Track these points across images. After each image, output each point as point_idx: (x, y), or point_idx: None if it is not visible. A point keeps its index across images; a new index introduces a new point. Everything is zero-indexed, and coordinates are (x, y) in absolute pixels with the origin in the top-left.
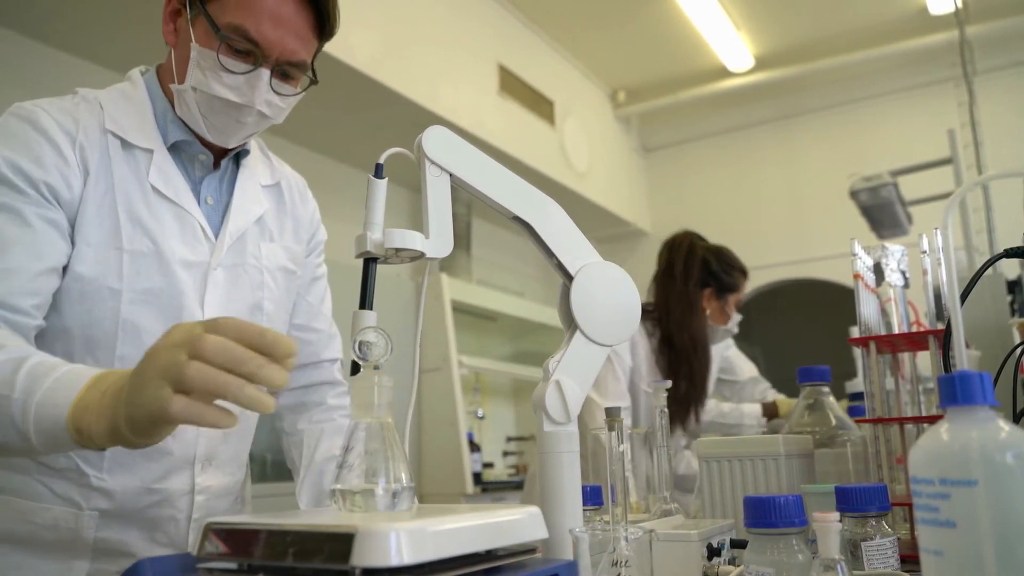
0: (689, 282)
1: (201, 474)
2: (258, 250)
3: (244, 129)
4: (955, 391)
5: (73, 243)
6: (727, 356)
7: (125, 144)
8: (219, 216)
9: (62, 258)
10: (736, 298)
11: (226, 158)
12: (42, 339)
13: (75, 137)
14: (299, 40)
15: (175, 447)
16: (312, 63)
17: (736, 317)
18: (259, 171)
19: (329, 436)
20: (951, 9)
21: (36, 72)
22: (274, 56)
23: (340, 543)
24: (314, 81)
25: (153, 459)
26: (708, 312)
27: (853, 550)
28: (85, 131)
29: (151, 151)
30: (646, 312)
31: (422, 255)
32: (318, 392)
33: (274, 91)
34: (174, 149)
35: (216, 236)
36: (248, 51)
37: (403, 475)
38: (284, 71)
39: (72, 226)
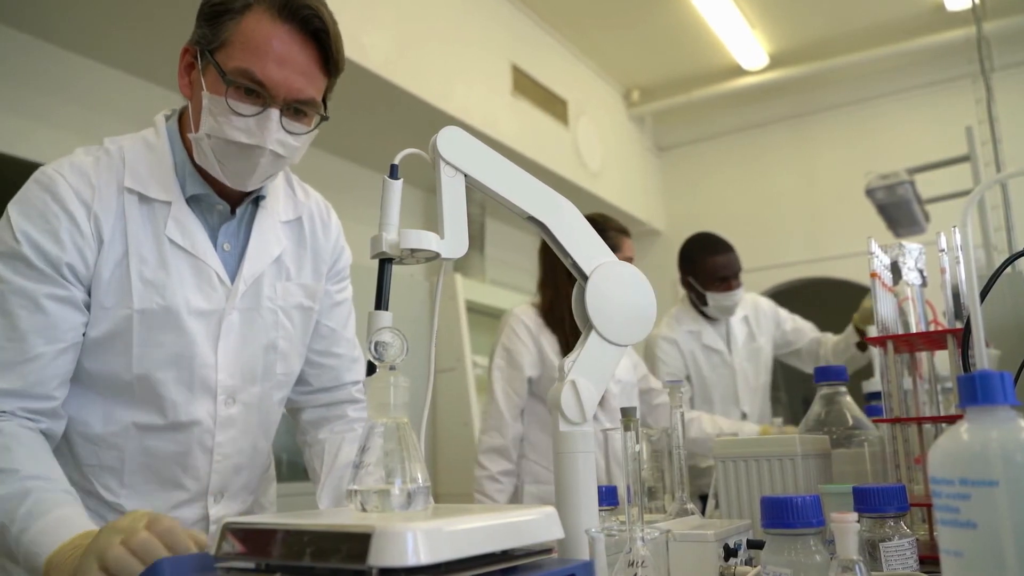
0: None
1: (214, 506)
2: (274, 291)
3: (259, 171)
4: (975, 390)
5: (89, 309)
6: (786, 331)
7: (143, 199)
8: (236, 260)
9: (79, 331)
10: (621, 256)
11: (243, 205)
12: (73, 383)
13: (91, 207)
14: (305, 78)
15: (188, 482)
16: (325, 99)
17: None
18: (279, 208)
19: (350, 443)
20: (968, 5)
21: (38, 70)
22: (281, 96)
23: (357, 543)
24: (324, 117)
25: (167, 490)
26: None
27: (871, 551)
28: (101, 197)
29: (169, 203)
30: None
31: (437, 255)
32: (339, 409)
33: (285, 130)
34: (192, 199)
35: (233, 280)
36: (256, 93)
37: (419, 475)
38: (296, 109)
39: (88, 294)
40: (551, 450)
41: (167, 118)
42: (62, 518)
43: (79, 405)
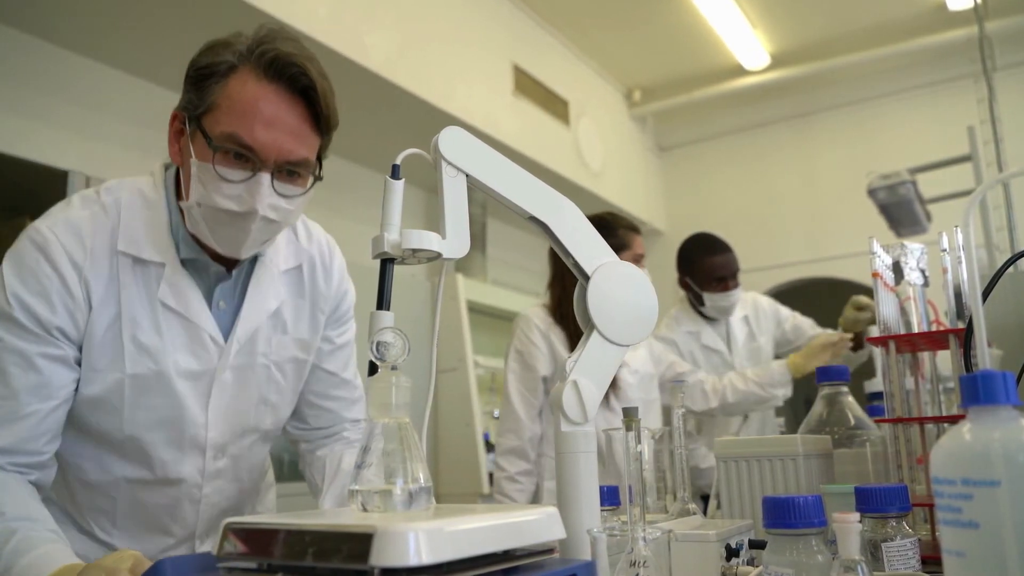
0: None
1: (201, 547)
2: (268, 346)
3: (252, 238)
4: (977, 390)
5: (80, 365)
6: (785, 331)
7: (137, 260)
8: (231, 318)
9: (71, 387)
10: (631, 255)
11: (239, 267)
12: (69, 430)
13: (82, 270)
14: (295, 139)
15: (176, 529)
16: (319, 158)
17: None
18: (280, 259)
19: (351, 454)
20: (970, 4)
21: (38, 70)
22: (271, 159)
23: (359, 543)
24: (318, 178)
25: (156, 535)
26: None
27: (873, 551)
28: (94, 260)
29: (163, 265)
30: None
31: (439, 256)
32: (338, 436)
33: (278, 193)
34: (188, 259)
35: (227, 338)
36: (245, 157)
37: (421, 475)
38: (288, 171)
39: (80, 352)
40: None
41: (166, 167)
42: (47, 553)
43: (75, 452)
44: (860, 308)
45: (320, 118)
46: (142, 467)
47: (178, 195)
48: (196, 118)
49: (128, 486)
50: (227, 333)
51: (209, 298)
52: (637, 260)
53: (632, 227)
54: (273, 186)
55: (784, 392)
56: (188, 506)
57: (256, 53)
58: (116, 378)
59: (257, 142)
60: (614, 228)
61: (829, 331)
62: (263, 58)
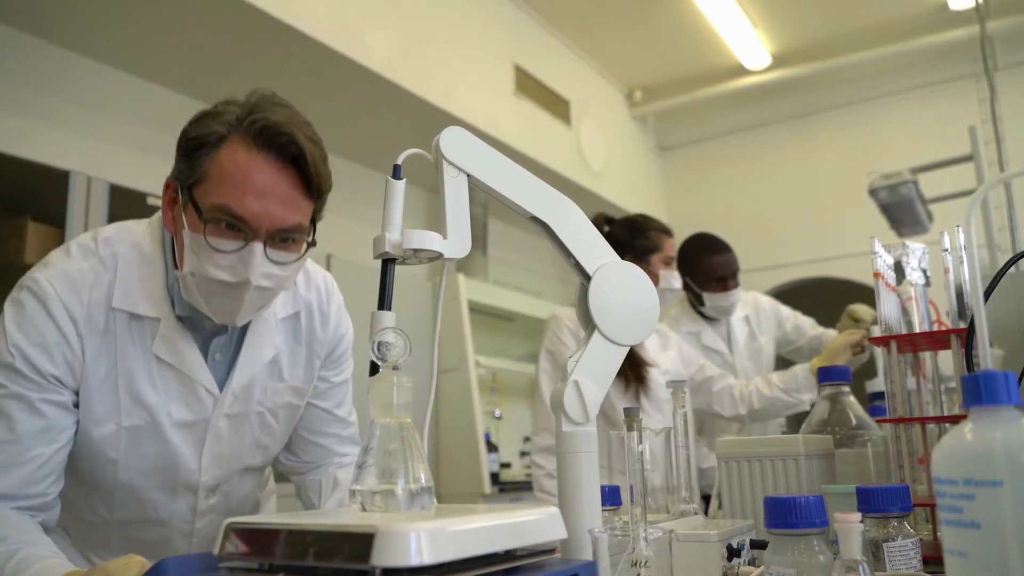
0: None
1: None
2: (263, 394)
3: (246, 307)
4: (979, 390)
5: (78, 407)
6: (786, 331)
7: (133, 315)
8: (227, 368)
9: (72, 431)
10: (661, 257)
11: None
12: (65, 472)
13: (78, 325)
14: (287, 207)
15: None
16: (313, 220)
17: (670, 274)
18: (277, 305)
19: (345, 472)
20: (971, 4)
21: (38, 70)
22: (263, 228)
23: (360, 543)
24: (312, 244)
25: (150, 557)
26: None
27: (875, 551)
28: (90, 315)
29: (158, 320)
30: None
31: (440, 256)
32: (329, 463)
33: (272, 261)
34: (183, 316)
35: (222, 389)
36: (237, 227)
37: (422, 475)
38: (282, 238)
39: (77, 397)
40: (602, 443)
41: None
42: (49, 566)
43: (70, 489)
44: (856, 319)
45: (311, 184)
46: (134, 510)
47: (174, 254)
48: (188, 188)
49: (120, 526)
50: (222, 382)
51: (205, 350)
52: (668, 262)
53: (664, 229)
54: (266, 254)
55: (810, 396)
56: (180, 539)
57: (246, 123)
58: (112, 430)
59: (248, 212)
60: (646, 230)
61: (831, 330)
62: (252, 127)
